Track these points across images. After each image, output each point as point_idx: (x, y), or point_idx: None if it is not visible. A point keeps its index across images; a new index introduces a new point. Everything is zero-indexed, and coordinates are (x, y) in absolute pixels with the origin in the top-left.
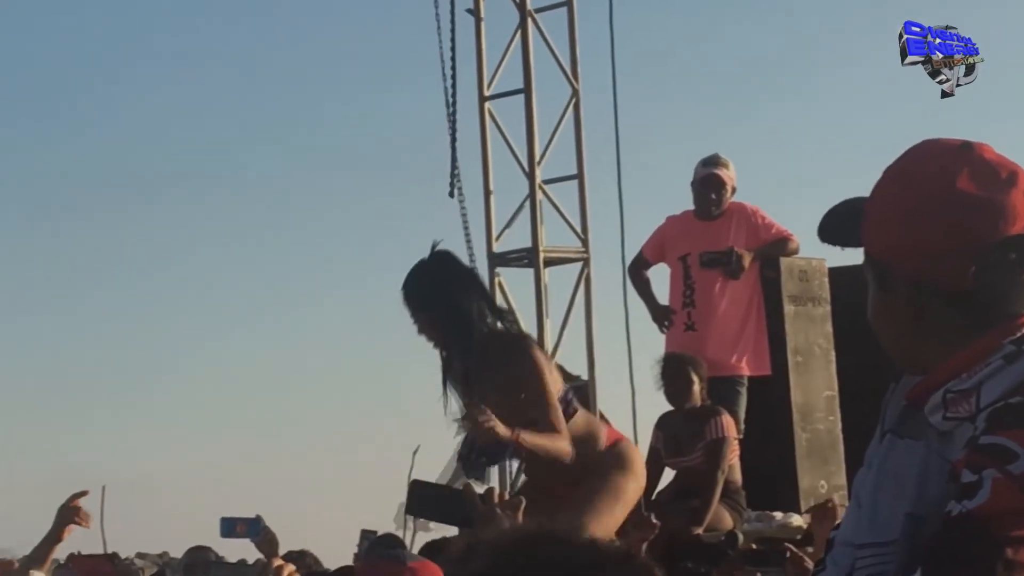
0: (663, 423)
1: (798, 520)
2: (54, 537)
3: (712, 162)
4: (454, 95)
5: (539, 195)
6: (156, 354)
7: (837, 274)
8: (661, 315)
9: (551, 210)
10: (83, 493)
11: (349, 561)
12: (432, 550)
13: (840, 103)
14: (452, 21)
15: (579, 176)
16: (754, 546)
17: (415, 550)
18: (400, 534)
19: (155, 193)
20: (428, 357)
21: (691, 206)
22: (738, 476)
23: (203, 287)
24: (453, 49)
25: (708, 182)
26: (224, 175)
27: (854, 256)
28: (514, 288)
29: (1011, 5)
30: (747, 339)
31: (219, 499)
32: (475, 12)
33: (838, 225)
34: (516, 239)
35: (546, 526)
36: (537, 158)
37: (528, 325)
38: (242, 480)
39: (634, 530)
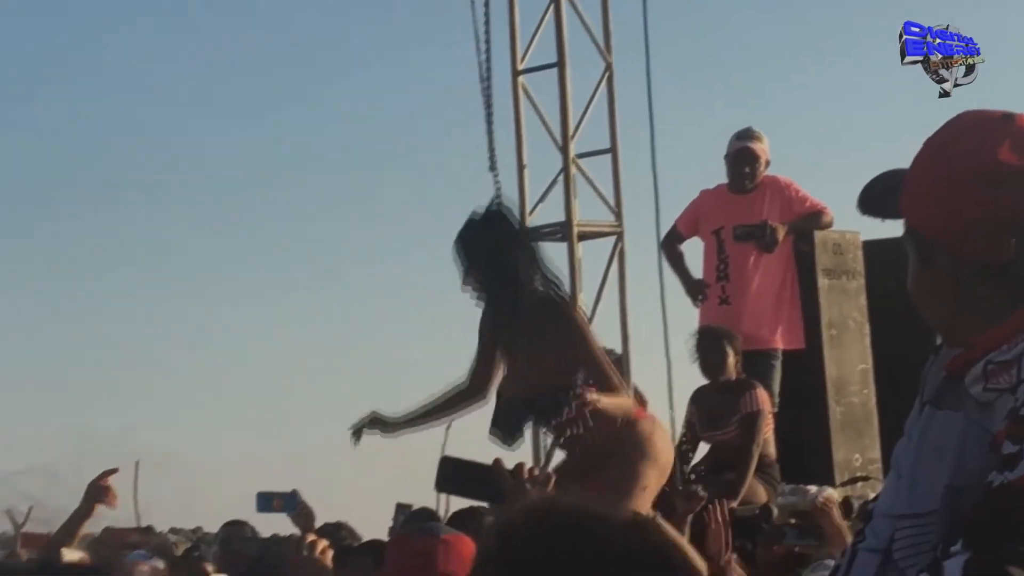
0: (698, 397)
1: (833, 493)
2: (83, 514)
3: (746, 135)
4: (488, 69)
5: (572, 169)
6: (192, 327)
7: (871, 247)
8: (695, 289)
9: (584, 184)
10: (113, 471)
11: (386, 534)
12: (461, 520)
13: (882, 73)
14: None
15: (612, 150)
16: (792, 520)
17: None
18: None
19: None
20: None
21: (725, 179)
22: (772, 450)
23: (243, 257)
24: (487, 23)
25: (742, 155)
26: (275, 142)
27: (888, 229)
28: None
29: (1011, 5)
30: (781, 312)
31: (256, 473)
32: None
33: (878, 197)
34: (550, 213)
35: (580, 500)
36: (571, 132)
37: None
38: (278, 453)
39: (681, 502)
